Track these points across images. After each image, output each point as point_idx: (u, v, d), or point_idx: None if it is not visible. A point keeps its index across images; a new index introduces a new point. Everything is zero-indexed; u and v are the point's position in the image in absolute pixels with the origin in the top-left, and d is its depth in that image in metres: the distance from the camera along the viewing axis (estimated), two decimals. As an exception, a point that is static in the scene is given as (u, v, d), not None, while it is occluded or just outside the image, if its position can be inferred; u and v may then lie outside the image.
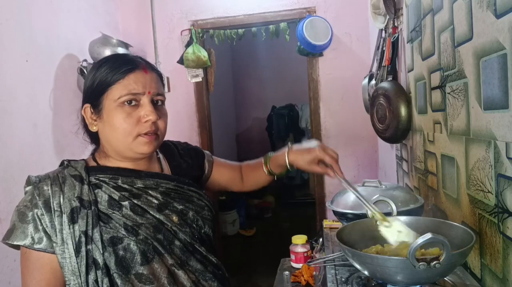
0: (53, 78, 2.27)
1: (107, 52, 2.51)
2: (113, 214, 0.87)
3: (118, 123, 0.89)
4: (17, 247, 0.86)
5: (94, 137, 0.96)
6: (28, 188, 0.88)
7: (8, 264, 1.76)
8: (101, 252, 0.84)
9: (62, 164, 0.95)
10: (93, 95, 0.90)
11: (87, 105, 0.92)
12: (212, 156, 1.24)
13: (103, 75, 0.90)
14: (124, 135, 0.89)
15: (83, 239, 0.83)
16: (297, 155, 1.12)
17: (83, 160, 0.95)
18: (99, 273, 0.84)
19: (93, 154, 0.97)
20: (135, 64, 0.91)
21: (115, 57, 0.97)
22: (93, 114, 0.92)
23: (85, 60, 2.47)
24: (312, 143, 1.12)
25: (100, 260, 0.84)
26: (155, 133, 0.92)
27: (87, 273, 0.83)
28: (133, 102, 0.89)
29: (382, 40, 2.00)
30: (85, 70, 2.44)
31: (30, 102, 2.04)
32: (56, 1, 2.34)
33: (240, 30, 3.10)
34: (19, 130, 1.94)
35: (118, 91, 0.88)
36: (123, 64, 0.90)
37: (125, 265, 0.85)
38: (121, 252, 0.85)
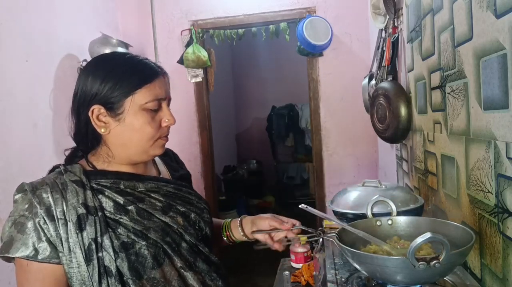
0: (53, 78, 2.27)
1: (107, 52, 2.50)
2: (121, 219, 0.85)
3: (143, 127, 0.88)
4: (9, 260, 0.83)
5: (96, 140, 0.91)
6: (18, 196, 0.84)
7: (8, 264, 1.75)
8: (113, 258, 0.82)
9: (53, 169, 0.91)
10: (111, 98, 0.86)
11: (97, 107, 0.86)
12: None
13: (124, 78, 0.86)
14: (148, 139, 0.89)
15: (93, 246, 0.80)
16: (251, 224, 1.10)
17: (78, 163, 0.91)
18: (111, 280, 0.81)
19: (85, 157, 0.93)
20: (158, 69, 0.92)
21: (129, 59, 0.91)
22: (106, 116, 0.87)
23: (85, 60, 2.48)
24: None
25: (112, 267, 0.82)
26: (167, 136, 0.95)
27: (99, 282, 0.80)
28: (157, 107, 0.90)
29: (382, 40, 2.00)
30: (85, 70, 2.44)
31: (30, 102, 2.04)
32: (56, 1, 2.34)
33: (240, 30, 3.10)
34: (19, 130, 1.94)
35: (144, 96, 0.87)
36: (148, 69, 0.90)
37: (138, 270, 0.84)
38: (133, 257, 0.84)
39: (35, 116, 2.07)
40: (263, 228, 1.08)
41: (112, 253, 0.82)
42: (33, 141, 2.03)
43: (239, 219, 1.14)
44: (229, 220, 1.17)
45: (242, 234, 1.11)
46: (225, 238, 1.15)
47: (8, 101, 1.88)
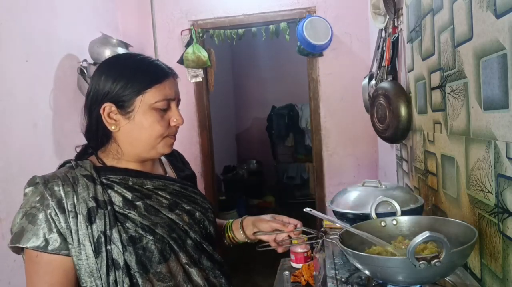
0: (53, 78, 2.27)
1: (107, 52, 2.51)
2: (129, 214, 0.88)
3: (152, 126, 0.91)
4: (18, 251, 0.84)
5: (106, 137, 0.94)
6: (29, 189, 0.86)
7: (8, 264, 1.76)
8: (122, 251, 0.84)
9: (64, 164, 0.94)
10: (122, 97, 0.89)
11: (108, 105, 0.89)
12: None
13: (136, 78, 0.89)
14: (156, 137, 0.92)
15: (102, 239, 0.83)
16: (252, 226, 1.12)
17: (88, 159, 0.94)
18: (118, 273, 0.83)
19: (95, 154, 0.95)
20: (168, 70, 0.94)
21: (141, 60, 0.94)
22: (117, 114, 0.90)
23: (85, 60, 2.47)
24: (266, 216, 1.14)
25: (120, 260, 0.84)
26: (175, 135, 0.97)
27: (107, 274, 0.82)
28: (166, 107, 0.92)
29: (382, 40, 2.00)
30: (85, 70, 2.44)
31: (30, 102, 2.04)
32: (56, 1, 2.34)
33: (240, 30, 3.10)
34: (19, 130, 1.94)
35: (154, 96, 0.90)
36: (159, 70, 0.93)
37: (145, 264, 0.86)
38: (140, 251, 0.86)
39: (35, 116, 2.07)
40: (264, 230, 1.09)
41: (120, 246, 0.84)
42: (33, 141, 2.03)
43: (239, 221, 1.15)
44: (231, 221, 1.18)
45: (243, 236, 1.13)
46: (227, 240, 1.16)
47: (8, 101, 1.88)
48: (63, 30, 2.40)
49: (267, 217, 1.11)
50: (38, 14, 2.16)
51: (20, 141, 1.94)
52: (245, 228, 1.13)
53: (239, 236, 1.14)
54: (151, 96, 0.90)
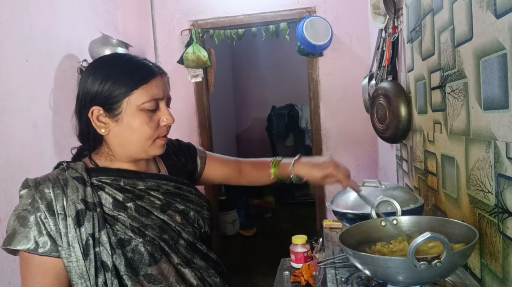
0: (53, 78, 2.27)
1: (107, 52, 2.51)
2: (119, 216, 0.87)
3: (141, 128, 0.89)
4: (14, 252, 0.84)
5: (98, 140, 0.93)
6: (23, 191, 0.86)
7: (8, 264, 1.76)
8: (110, 254, 0.83)
9: (58, 165, 0.93)
10: (109, 99, 0.87)
11: (96, 108, 0.88)
12: (206, 151, 1.23)
13: (122, 79, 0.87)
14: (146, 139, 0.91)
15: (90, 241, 0.83)
16: (308, 169, 1.14)
17: (81, 161, 0.93)
18: (108, 275, 0.83)
19: (89, 156, 0.95)
20: (155, 69, 0.92)
21: (127, 60, 0.93)
22: (105, 117, 0.89)
23: (85, 60, 2.47)
24: (323, 158, 1.15)
25: (109, 262, 0.83)
26: (167, 135, 0.96)
27: (96, 276, 0.82)
28: (155, 107, 0.91)
29: (382, 40, 2.00)
30: (85, 70, 2.44)
31: (30, 102, 2.04)
32: (56, 1, 2.34)
33: (240, 30, 3.10)
34: (19, 130, 1.93)
35: (141, 97, 0.88)
36: (145, 69, 0.91)
37: (134, 266, 0.85)
38: (129, 254, 0.85)
39: (35, 116, 2.07)
40: (313, 182, 1.14)
41: (109, 249, 0.84)
42: (33, 141, 2.03)
43: (292, 162, 1.17)
44: (280, 159, 1.21)
45: (294, 177, 1.16)
46: (273, 175, 1.19)
47: (8, 101, 1.88)
48: (63, 30, 2.39)
49: (324, 169, 1.11)
50: (38, 14, 2.16)
51: (20, 142, 1.93)
52: (297, 170, 1.15)
53: (286, 175, 1.17)
54: (138, 98, 0.88)
